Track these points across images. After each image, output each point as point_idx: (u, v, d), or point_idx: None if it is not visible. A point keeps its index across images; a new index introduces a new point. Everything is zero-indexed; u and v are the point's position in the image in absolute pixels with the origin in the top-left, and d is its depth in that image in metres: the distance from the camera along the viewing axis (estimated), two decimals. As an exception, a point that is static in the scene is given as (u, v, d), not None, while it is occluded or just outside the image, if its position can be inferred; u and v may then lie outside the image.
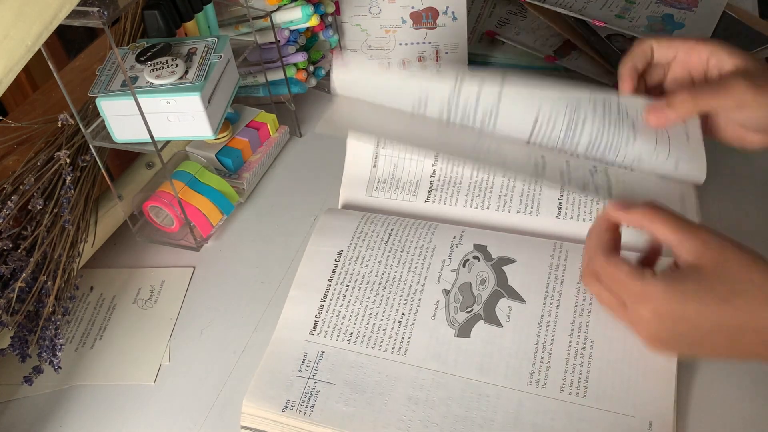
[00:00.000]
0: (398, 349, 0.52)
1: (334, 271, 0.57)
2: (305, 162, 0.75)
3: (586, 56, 0.80)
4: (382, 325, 0.53)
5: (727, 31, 0.79)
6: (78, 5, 0.49)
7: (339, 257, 0.58)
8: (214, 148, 0.70)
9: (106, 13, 0.50)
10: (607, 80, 0.77)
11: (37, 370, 0.53)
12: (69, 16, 0.49)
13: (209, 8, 0.66)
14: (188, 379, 0.56)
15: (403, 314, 0.54)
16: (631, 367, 0.49)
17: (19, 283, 0.52)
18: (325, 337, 0.53)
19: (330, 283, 0.57)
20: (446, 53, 0.78)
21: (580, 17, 0.80)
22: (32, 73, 1.13)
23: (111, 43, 0.53)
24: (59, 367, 0.54)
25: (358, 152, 0.65)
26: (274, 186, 0.73)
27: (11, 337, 0.53)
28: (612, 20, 0.80)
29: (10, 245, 0.54)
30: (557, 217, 0.59)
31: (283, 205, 0.70)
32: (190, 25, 0.64)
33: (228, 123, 0.72)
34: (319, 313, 0.55)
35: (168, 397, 0.55)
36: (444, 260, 0.57)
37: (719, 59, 0.51)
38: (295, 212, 0.69)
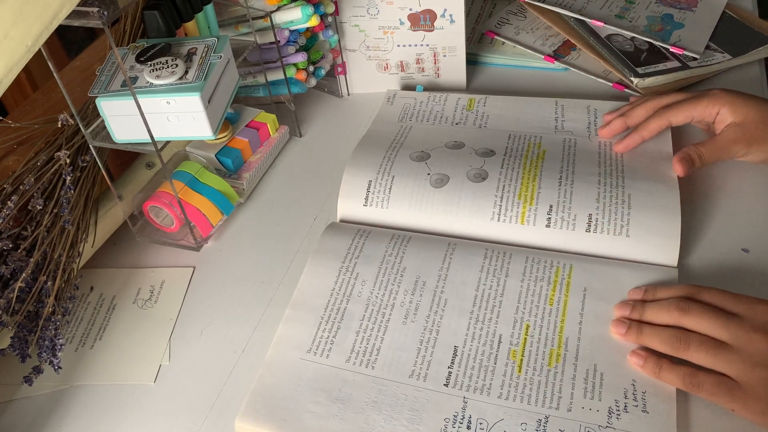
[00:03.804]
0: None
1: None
2: (305, 162, 0.75)
3: (585, 56, 0.80)
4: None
5: (727, 31, 0.79)
6: (78, 5, 0.49)
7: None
8: (214, 148, 0.70)
9: (106, 13, 0.50)
10: (606, 80, 0.77)
11: (37, 370, 0.53)
12: (69, 16, 0.49)
13: (209, 8, 0.66)
14: (188, 379, 0.56)
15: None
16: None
17: (19, 283, 0.52)
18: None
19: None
20: (444, 56, 0.78)
21: (580, 17, 0.80)
22: (32, 73, 1.13)
23: (111, 43, 0.53)
24: (59, 367, 0.54)
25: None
26: (274, 186, 0.73)
27: (11, 337, 0.53)
28: (612, 20, 0.80)
29: (10, 245, 0.54)
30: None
31: (283, 205, 0.70)
32: (190, 25, 0.64)
33: (228, 123, 0.72)
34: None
35: (168, 397, 0.55)
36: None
37: (723, 115, 0.61)
38: (295, 212, 0.69)
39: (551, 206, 0.60)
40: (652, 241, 0.56)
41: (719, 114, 0.62)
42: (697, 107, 0.62)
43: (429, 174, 0.64)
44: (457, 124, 0.72)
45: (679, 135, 0.67)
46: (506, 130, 0.70)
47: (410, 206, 0.63)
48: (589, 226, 0.58)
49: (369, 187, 0.64)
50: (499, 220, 0.60)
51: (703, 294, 0.50)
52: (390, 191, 0.64)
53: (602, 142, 0.66)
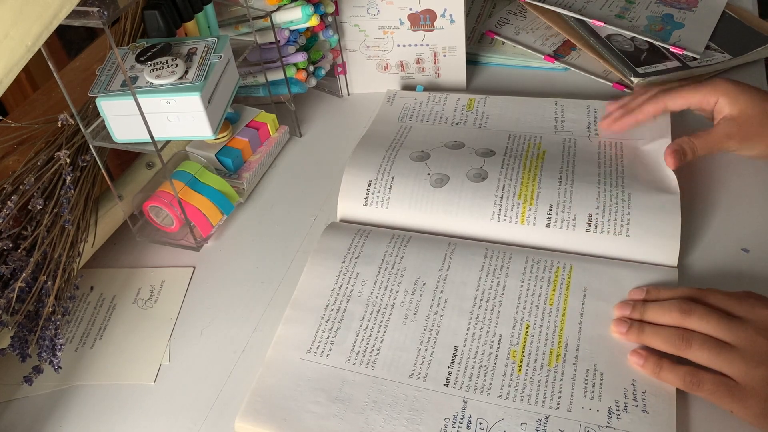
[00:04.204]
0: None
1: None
2: (305, 162, 0.75)
3: (585, 56, 0.80)
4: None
5: (727, 31, 0.79)
6: (78, 5, 0.49)
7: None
8: (214, 148, 0.70)
9: (106, 13, 0.50)
10: (606, 80, 0.77)
11: (37, 370, 0.53)
12: (69, 16, 0.49)
13: (209, 8, 0.66)
14: (188, 379, 0.56)
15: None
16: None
17: (19, 283, 0.52)
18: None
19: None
20: (444, 56, 0.78)
21: (580, 17, 0.80)
22: (32, 73, 1.13)
23: (111, 43, 0.53)
24: (59, 367, 0.54)
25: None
26: (274, 186, 0.73)
27: (11, 337, 0.53)
28: (612, 20, 0.80)
29: (10, 245, 0.54)
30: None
31: (283, 204, 0.70)
32: (190, 25, 0.64)
33: (228, 123, 0.72)
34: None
35: (168, 397, 0.55)
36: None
37: (721, 106, 0.60)
38: (295, 212, 0.69)
39: (551, 206, 0.60)
40: (652, 241, 0.56)
41: (717, 103, 0.60)
42: (696, 94, 0.61)
43: (429, 174, 0.64)
44: (457, 124, 0.72)
45: (681, 132, 0.67)
46: (506, 130, 0.70)
47: (410, 206, 0.63)
48: (589, 225, 0.58)
49: (369, 187, 0.64)
50: (499, 220, 0.60)
51: (706, 296, 0.50)
52: (390, 191, 0.64)
53: (602, 142, 0.66)
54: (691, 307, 0.49)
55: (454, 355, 0.52)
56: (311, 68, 0.77)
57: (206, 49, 0.60)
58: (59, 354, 0.54)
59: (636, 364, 0.49)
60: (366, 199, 0.64)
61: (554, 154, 0.65)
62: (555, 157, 0.65)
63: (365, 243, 0.60)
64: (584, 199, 0.60)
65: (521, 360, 0.51)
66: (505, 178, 0.63)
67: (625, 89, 0.75)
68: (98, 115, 0.59)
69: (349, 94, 0.83)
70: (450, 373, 0.51)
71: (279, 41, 0.72)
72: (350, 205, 0.65)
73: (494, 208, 0.61)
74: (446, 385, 0.50)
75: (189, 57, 0.59)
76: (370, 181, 0.65)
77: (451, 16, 0.75)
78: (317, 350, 0.53)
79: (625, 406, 0.47)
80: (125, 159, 0.70)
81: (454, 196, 0.62)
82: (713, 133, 0.60)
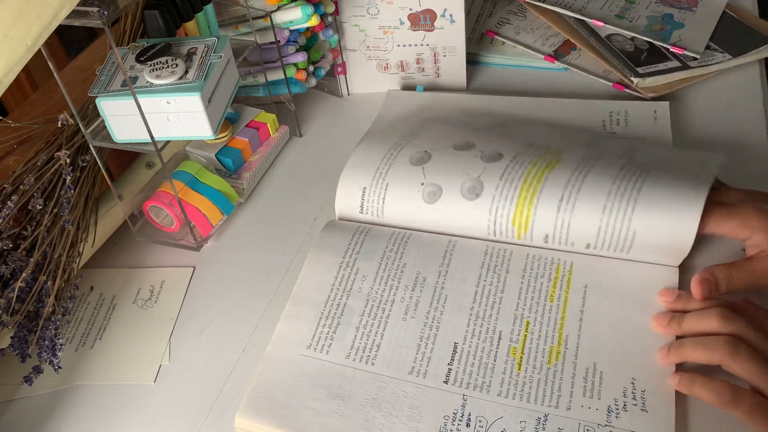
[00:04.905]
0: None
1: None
2: (305, 162, 0.75)
3: (585, 56, 0.80)
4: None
5: (727, 31, 0.79)
6: (78, 5, 0.49)
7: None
8: (214, 148, 0.70)
9: (106, 13, 0.50)
10: (607, 80, 0.77)
11: (37, 370, 0.53)
12: (69, 16, 0.49)
13: (209, 8, 0.66)
14: (188, 379, 0.56)
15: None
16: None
17: (19, 283, 0.52)
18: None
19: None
20: (444, 56, 0.78)
21: (580, 17, 0.80)
22: (32, 73, 1.13)
23: (111, 43, 0.53)
24: (59, 367, 0.54)
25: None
26: (274, 186, 0.73)
27: (11, 337, 0.53)
28: (612, 20, 0.80)
29: (10, 245, 0.54)
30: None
31: (283, 204, 0.70)
32: (190, 25, 0.64)
33: (228, 123, 0.72)
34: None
35: (168, 397, 0.55)
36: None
37: (757, 241, 0.52)
38: (295, 212, 0.69)
39: (546, 235, 0.57)
40: (654, 257, 0.55)
41: (751, 239, 0.52)
42: (725, 226, 0.53)
43: (423, 184, 0.60)
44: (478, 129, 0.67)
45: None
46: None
47: (404, 219, 0.61)
48: (588, 247, 0.56)
49: (363, 195, 0.63)
50: (495, 235, 0.59)
51: (743, 309, 0.49)
52: (384, 201, 0.62)
53: None
54: (733, 314, 0.47)
55: (454, 351, 0.52)
56: (311, 68, 0.77)
57: (206, 49, 0.60)
58: (59, 354, 0.54)
59: (673, 386, 0.47)
60: (361, 207, 0.63)
61: (569, 162, 0.59)
62: (567, 167, 0.58)
63: (365, 239, 0.60)
64: (583, 229, 0.55)
65: (521, 357, 0.51)
66: (500, 196, 0.57)
67: (626, 89, 0.75)
68: (98, 115, 0.60)
69: (349, 94, 0.83)
70: (450, 370, 0.51)
71: (279, 41, 0.72)
72: (347, 213, 0.64)
73: (487, 231, 0.58)
74: (446, 382, 0.50)
75: (189, 57, 0.59)
76: (365, 188, 0.62)
77: (451, 16, 0.75)
78: (317, 346, 0.53)
79: (625, 404, 0.47)
80: (125, 159, 0.70)
81: (446, 213, 0.59)
82: (758, 267, 0.51)
